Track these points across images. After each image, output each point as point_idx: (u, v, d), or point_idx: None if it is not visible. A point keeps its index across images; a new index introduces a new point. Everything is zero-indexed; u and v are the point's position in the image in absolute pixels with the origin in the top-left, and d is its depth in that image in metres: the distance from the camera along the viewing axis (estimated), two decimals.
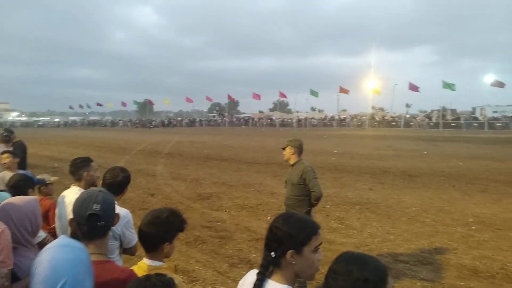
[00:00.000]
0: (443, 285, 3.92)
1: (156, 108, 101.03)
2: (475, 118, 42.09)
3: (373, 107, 58.20)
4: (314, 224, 1.40)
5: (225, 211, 6.91)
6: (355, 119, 48.75)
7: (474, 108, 57.35)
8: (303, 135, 29.63)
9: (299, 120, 51.93)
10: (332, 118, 51.21)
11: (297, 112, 65.15)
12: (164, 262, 1.89)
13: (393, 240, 5.32)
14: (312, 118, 53.89)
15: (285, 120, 55.08)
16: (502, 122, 39.82)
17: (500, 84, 40.26)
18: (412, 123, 42.62)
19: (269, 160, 13.65)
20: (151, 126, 58.55)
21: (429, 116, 44.28)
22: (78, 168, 2.67)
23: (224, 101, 74.18)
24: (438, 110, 46.57)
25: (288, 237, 1.32)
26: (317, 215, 6.56)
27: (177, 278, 1.93)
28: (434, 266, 4.40)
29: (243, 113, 73.30)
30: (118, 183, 2.51)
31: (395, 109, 55.79)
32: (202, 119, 64.82)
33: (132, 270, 1.66)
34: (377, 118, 47.35)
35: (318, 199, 3.92)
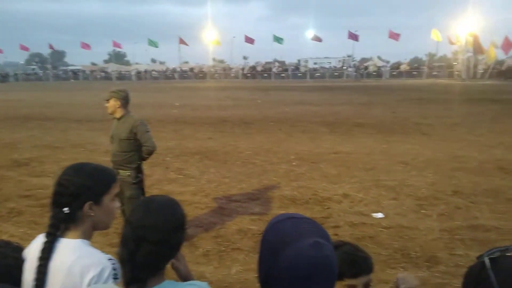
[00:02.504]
0: (267, 215, 4.43)
1: None
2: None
3: (214, 59, 59.30)
4: (112, 171, 1.34)
5: (49, 176, 6.08)
6: (196, 71, 48.91)
7: (299, 60, 64.86)
8: (144, 88, 28.23)
9: (139, 72, 48.99)
10: (174, 70, 50.14)
11: (136, 64, 61.15)
12: None
13: (228, 183, 5.69)
14: (153, 70, 51.56)
15: (123, 72, 51.13)
16: (320, 72, 46.33)
17: (318, 39, 46.29)
18: (232, 74, 45.76)
19: (104, 117, 12.43)
20: None
21: (243, 68, 48.24)
22: None
23: (46, 51, 63.25)
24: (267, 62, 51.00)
25: (86, 189, 1.21)
26: (157, 168, 6.46)
27: None
28: (261, 201, 4.92)
29: (72, 65, 64.50)
30: None
31: (234, 61, 58.30)
32: (18, 73, 54.21)
33: None
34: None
35: (151, 153, 3.75)
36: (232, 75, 46.26)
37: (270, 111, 13.97)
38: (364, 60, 62.40)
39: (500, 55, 37.57)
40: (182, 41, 48.51)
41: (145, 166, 4.42)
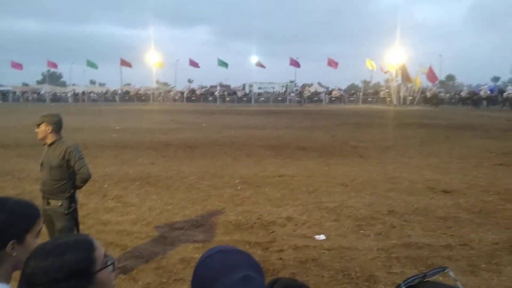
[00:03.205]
0: (212, 242, 4.34)
1: None
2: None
3: (157, 82, 58.41)
4: (35, 206, 1.25)
5: None
6: (139, 93, 47.76)
7: (244, 85, 66.11)
8: (81, 111, 26.90)
9: (76, 94, 46.65)
10: (115, 93, 48.45)
11: (74, 85, 58.23)
12: None
13: (170, 210, 5.50)
14: (92, 92, 49.45)
15: (58, 94, 48.39)
16: (264, 97, 47.51)
17: (262, 65, 47.67)
18: (176, 97, 45.55)
19: (35, 141, 11.63)
20: None
21: (182, 92, 48.32)
22: None
23: None
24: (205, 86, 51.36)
25: (9, 227, 1.11)
26: (93, 196, 6.09)
27: None
28: (205, 227, 4.81)
29: (1, 85, 59.75)
30: None
31: (178, 84, 57.88)
32: None
33: None
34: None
35: (85, 181, 3.54)
36: (176, 97, 45.75)
37: (215, 135, 13.95)
38: (305, 85, 65.14)
39: (426, 82, 41.63)
40: (124, 63, 47.22)
41: (80, 194, 4.16)
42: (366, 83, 54.05)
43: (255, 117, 23.40)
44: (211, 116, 23.24)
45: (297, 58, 45.21)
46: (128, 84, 59.14)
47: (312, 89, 51.64)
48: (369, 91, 47.53)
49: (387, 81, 45.62)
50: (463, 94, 40.25)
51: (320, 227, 4.83)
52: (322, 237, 4.51)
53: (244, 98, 45.69)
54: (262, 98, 46.40)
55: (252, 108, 33.68)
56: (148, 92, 46.85)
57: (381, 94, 43.14)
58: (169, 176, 7.59)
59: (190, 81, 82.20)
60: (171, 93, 47.34)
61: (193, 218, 5.14)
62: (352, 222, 4.98)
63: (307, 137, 13.59)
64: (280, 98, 45.88)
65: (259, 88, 58.10)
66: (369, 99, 42.90)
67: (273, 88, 58.55)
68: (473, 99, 37.17)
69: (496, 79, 78.44)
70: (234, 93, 46.86)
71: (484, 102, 35.67)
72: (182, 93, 46.85)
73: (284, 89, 51.94)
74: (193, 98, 44.96)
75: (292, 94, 45.85)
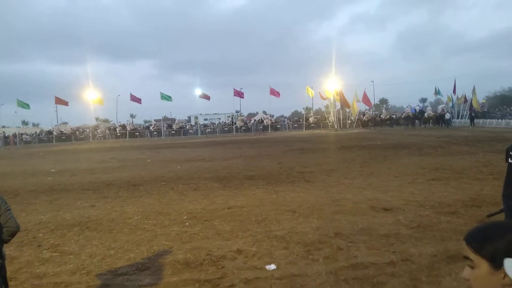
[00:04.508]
0: (159, 285, 4.12)
1: None
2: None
3: (97, 119, 56.21)
4: None
5: None
6: (77, 132, 45.55)
7: (189, 117, 65.78)
8: (12, 155, 24.97)
9: (6, 137, 43.34)
10: (50, 132, 45.71)
11: (4, 127, 54.14)
12: None
13: (113, 254, 5.17)
14: (24, 133, 46.24)
15: None
16: (211, 128, 47.54)
17: (206, 96, 47.96)
18: (100, 135, 44.29)
19: None
20: None
21: (115, 128, 47.32)
22: None
23: None
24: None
25: None
26: (26, 248, 5.58)
27: None
28: (152, 270, 4.57)
29: None
30: None
31: (120, 120, 56.24)
32: None
33: None
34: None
35: (13, 234, 3.22)
36: (119, 134, 44.24)
37: (161, 170, 13.57)
38: (251, 115, 66.33)
39: (363, 107, 44.60)
40: (59, 101, 45.01)
41: (11, 246, 3.80)
42: (308, 109, 56.35)
43: (202, 149, 23.22)
44: (156, 151, 22.67)
45: (241, 88, 46.27)
46: (65, 123, 56.17)
47: (257, 118, 52.71)
48: (310, 116, 49.61)
49: (327, 107, 48.02)
50: (382, 116, 43.98)
51: (270, 257, 4.80)
52: (272, 266, 4.48)
53: (191, 131, 45.40)
54: (208, 130, 46.38)
55: (199, 140, 33.46)
56: (87, 130, 45.03)
57: (310, 120, 45.74)
58: (111, 218, 7.18)
59: (132, 116, 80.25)
60: (98, 130, 45.77)
61: (138, 261, 4.86)
62: (301, 248, 5.02)
63: (255, 165, 13.70)
64: (226, 128, 46.15)
65: (205, 119, 58.14)
66: (312, 125, 44.66)
67: (219, 118, 58.93)
68: (392, 120, 41.65)
69: (424, 100, 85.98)
70: (170, 126, 46.82)
71: (417, 122, 39.25)
72: (114, 129, 45.91)
73: (230, 119, 52.46)
74: (137, 133, 43.78)
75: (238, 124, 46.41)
